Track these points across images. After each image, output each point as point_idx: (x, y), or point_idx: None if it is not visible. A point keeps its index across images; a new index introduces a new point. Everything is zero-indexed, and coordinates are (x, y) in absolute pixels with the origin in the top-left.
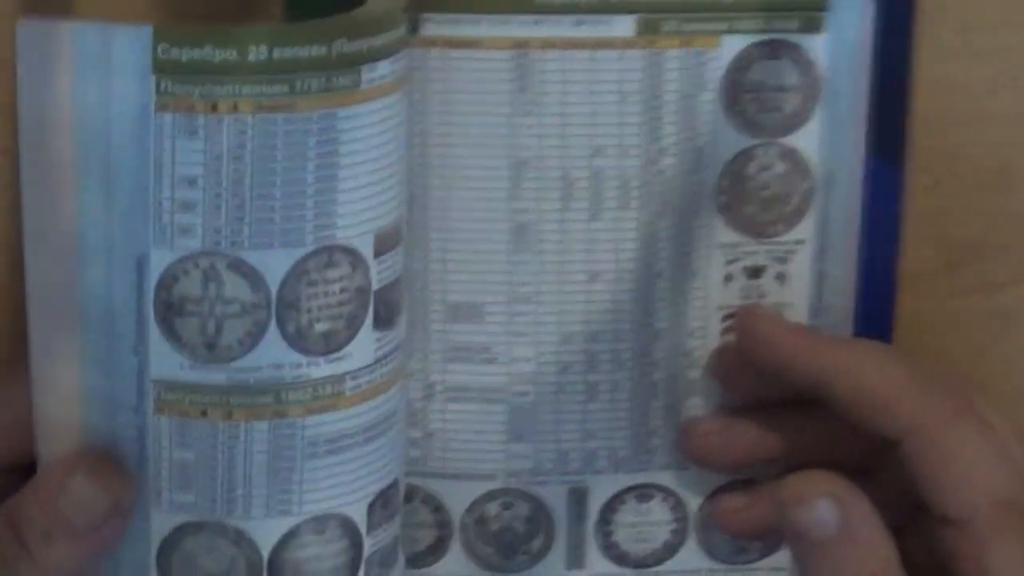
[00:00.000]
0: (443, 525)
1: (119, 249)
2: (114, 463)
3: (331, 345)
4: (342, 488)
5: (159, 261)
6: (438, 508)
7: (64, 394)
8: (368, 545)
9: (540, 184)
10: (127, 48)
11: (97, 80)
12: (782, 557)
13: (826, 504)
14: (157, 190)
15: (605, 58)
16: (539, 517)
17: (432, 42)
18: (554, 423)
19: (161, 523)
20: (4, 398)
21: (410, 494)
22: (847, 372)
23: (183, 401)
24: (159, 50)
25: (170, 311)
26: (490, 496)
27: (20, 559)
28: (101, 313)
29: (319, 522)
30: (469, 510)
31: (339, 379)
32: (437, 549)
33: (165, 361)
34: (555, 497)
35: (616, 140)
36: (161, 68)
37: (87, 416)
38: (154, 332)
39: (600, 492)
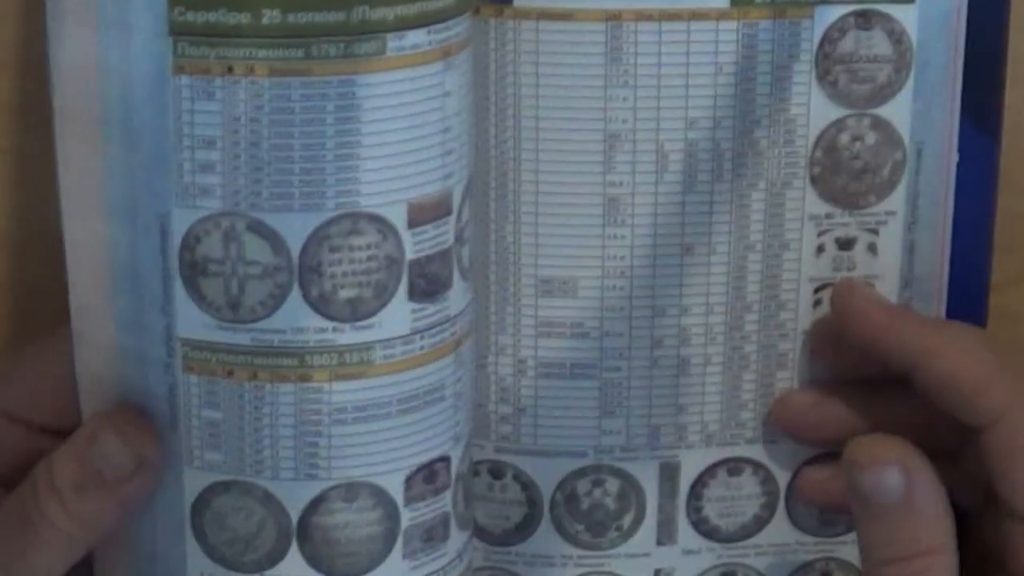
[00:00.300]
0: (533, 503)
1: (143, 208)
2: (140, 419)
3: (358, 313)
4: (374, 457)
5: (181, 221)
6: (528, 485)
7: (100, 352)
8: (406, 518)
9: (633, 157)
10: (144, 10)
11: (116, 41)
12: None
13: (894, 471)
14: (177, 151)
15: (699, 29)
16: (630, 493)
17: (525, 14)
18: (646, 398)
19: (193, 482)
20: (47, 362)
21: (501, 471)
22: (936, 356)
23: (210, 360)
24: (175, 12)
25: (194, 271)
26: (581, 473)
27: (55, 510)
28: (129, 271)
29: (349, 489)
30: (560, 487)
31: (367, 347)
32: (527, 526)
33: (191, 320)
34: (646, 473)
35: (709, 112)
36: (177, 30)
37: (121, 373)
38: (180, 292)
39: (691, 467)
